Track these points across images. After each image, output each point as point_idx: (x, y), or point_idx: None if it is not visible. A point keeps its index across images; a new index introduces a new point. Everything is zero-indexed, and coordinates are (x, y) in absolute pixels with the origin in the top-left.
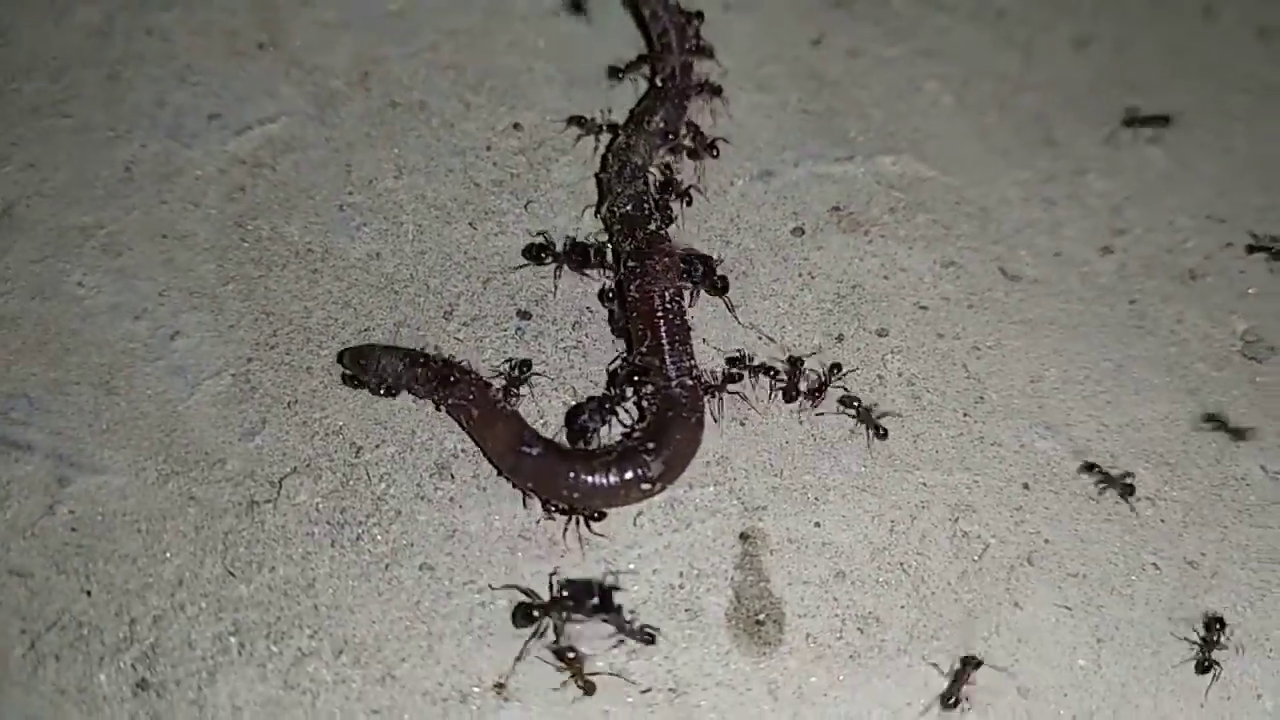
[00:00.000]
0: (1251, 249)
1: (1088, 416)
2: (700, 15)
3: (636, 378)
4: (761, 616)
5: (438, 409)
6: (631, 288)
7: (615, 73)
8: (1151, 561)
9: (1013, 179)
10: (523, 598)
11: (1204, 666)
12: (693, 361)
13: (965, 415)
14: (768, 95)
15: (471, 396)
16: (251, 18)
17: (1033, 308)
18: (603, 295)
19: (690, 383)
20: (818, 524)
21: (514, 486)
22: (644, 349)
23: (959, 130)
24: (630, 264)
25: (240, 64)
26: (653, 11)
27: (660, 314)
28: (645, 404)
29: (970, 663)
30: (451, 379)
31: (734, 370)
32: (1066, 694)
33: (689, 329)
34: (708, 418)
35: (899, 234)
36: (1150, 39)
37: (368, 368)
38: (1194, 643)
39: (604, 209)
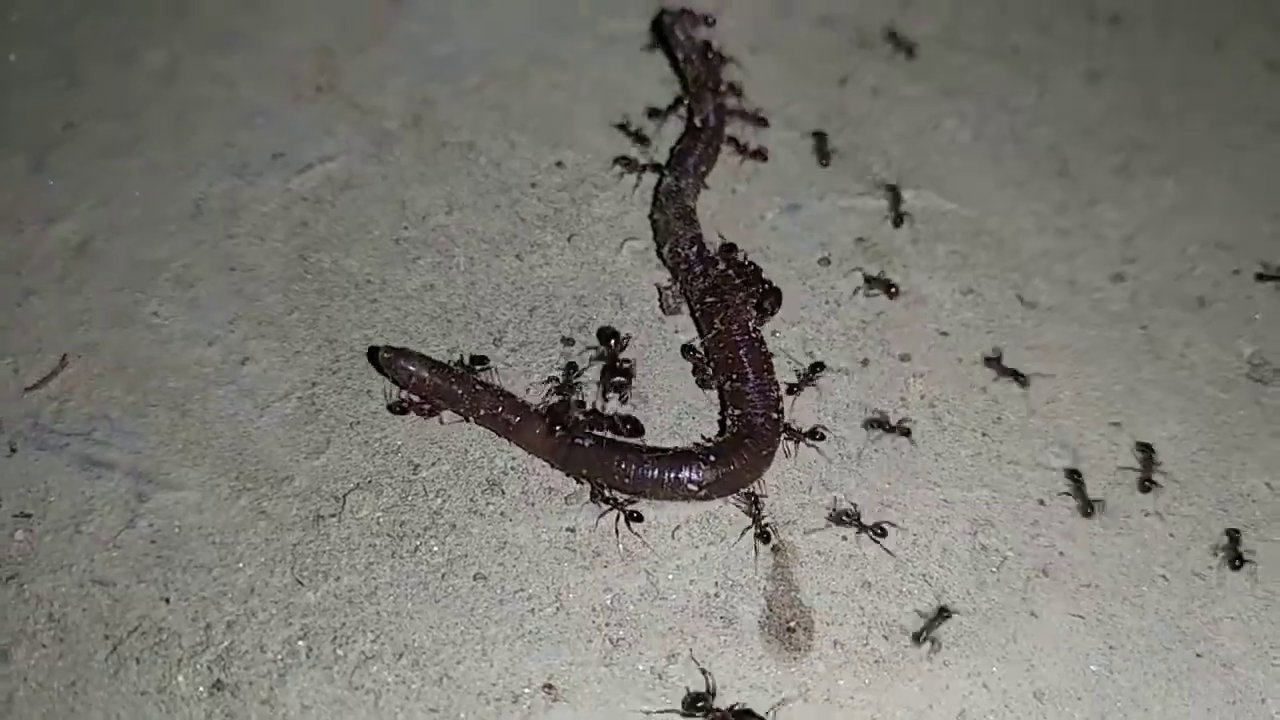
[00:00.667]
0: (1261, 277)
1: (1100, 436)
2: (727, 58)
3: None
4: (792, 624)
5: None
6: (716, 322)
7: (655, 114)
8: (1161, 573)
9: (1028, 210)
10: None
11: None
12: (779, 394)
13: (984, 435)
14: (795, 132)
15: (499, 408)
16: (310, 63)
17: (1048, 333)
18: (685, 350)
19: (776, 417)
20: (845, 537)
21: (567, 475)
22: (733, 377)
23: (976, 164)
24: (708, 300)
25: (300, 106)
26: (685, 56)
27: (744, 345)
28: (729, 423)
29: (944, 613)
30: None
31: (819, 429)
32: (1080, 698)
33: (770, 358)
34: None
35: (920, 264)
36: (1161, 72)
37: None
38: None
39: (667, 251)
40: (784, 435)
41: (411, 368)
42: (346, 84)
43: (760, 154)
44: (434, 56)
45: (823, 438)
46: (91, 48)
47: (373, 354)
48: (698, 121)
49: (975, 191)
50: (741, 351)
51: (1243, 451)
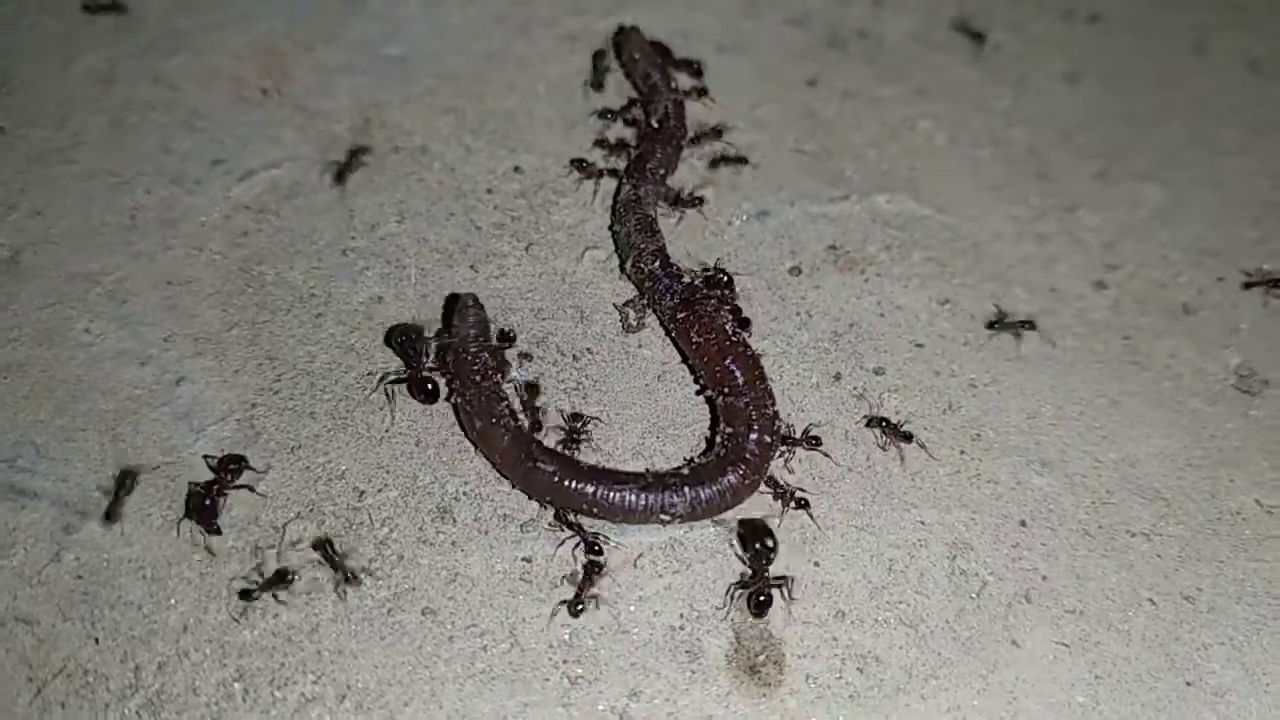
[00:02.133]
0: (1248, 285)
1: (1083, 453)
2: (698, 64)
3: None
4: (761, 658)
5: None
6: (692, 335)
7: (607, 114)
8: (1148, 597)
9: (1006, 214)
10: None
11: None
12: (775, 408)
13: (962, 453)
14: (763, 135)
15: (475, 406)
16: (255, 64)
17: (1027, 344)
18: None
19: (768, 441)
20: (817, 563)
21: (529, 498)
22: (724, 391)
23: (952, 167)
24: (680, 316)
25: (244, 110)
26: (630, 57)
27: (729, 354)
28: (719, 438)
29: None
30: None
31: (814, 435)
32: None
33: (759, 363)
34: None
35: (895, 272)
36: (1141, 73)
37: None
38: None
39: (630, 265)
40: (781, 447)
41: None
42: (293, 86)
43: (741, 159)
44: (385, 58)
45: (819, 441)
46: (25, 49)
47: (394, 332)
48: (654, 123)
49: (952, 196)
50: (728, 361)
51: (1231, 467)
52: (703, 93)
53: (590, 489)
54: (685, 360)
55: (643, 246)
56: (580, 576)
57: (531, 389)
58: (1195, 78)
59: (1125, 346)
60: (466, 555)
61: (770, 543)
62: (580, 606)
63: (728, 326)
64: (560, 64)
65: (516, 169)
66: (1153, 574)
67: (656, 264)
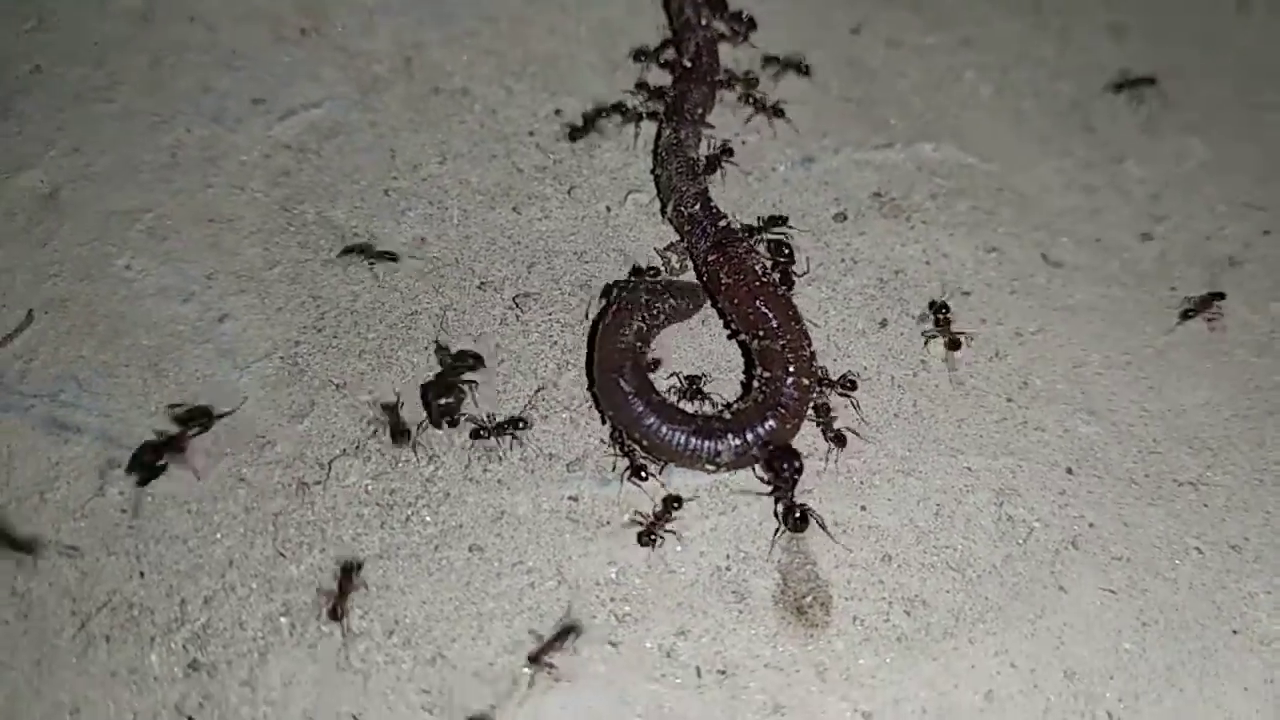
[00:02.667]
0: (1185, 314)
1: (1130, 402)
2: (748, 18)
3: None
4: (808, 599)
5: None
6: (722, 277)
7: (640, 55)
8: (1195, 546)
9: (1052, 166)
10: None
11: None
12: (811, 349)
13: (1009, 400)
14: (808, 82)
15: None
16: (294, 3)
17: (1075, 293)
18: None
19: (806, 383)
20: (864, 507)
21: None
22: (759, 334)
23: (998, 117)
24: (710, 259)
25: (283, 50)
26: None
27: (760, 296)
28: (756, 384)
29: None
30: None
31: (850, 377)
32: (1112, 677)
33: (793, 307)
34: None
35: (941, 220)
36: (1185, 28)
37: None
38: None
39: (670, 209)
40: (817, 391)
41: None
42: (332, 26)
43: (777, 110)
44: None
45: (855, 386)
46: None
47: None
48: (686, 62)
49: (997, 146)
50: (759, 303)
51: (1278, 418)
52: (743, 37)
53: (649, 421)
54: (716, 305)
55: (684, 189)
56: (658, 509)
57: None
58: (1238, 33)
59: (1172, 297)
60: (513, 493)
61: (795, 464)
62: (653, 537)
63: (758, 268)
64: (602, 7)
65: (558, 111)
66: (1199, 523)
67: (696, 206)
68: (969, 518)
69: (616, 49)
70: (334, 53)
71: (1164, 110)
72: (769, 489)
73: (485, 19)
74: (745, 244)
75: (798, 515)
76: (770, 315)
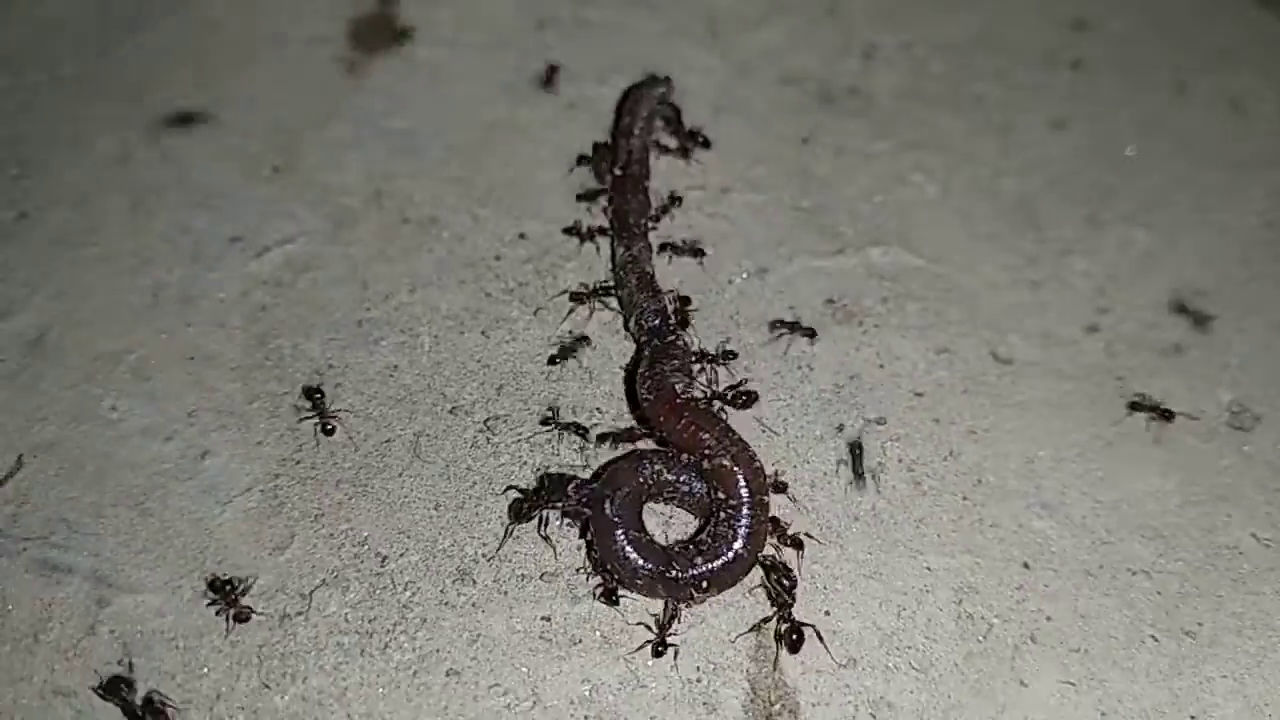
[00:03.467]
0: (1133, 406)
1: (1082, 494)
2: (701, 135)
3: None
4: (777, 707)
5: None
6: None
7: (582, 160)
8: (1150, 634)
9: (999, 263)
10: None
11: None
12: (765, 478)
13: (965, 498)
14: (760, 195)
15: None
16: (266, 142)
17: (1025, 389)
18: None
19: (763, 518)
20: (827, 612)
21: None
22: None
23: (944, 218)
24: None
25: (257, 187)
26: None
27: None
28: (719, 513)
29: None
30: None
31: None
32: None
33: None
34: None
35: (892, 323)
36: (1125, 116)
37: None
38: None
39: (632, 324)
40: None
41: None
42: (304, 162)
43: (698, 251)
44: (393, 131)
45: (801, 545)
46: (43, 134)
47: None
48: (617, 170)
49: (945, 246)
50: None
51: (1227, 503)
52: (686, 153)
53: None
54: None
55: (644, 305)
56: (664, 617)
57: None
58: (1178, 118)
59: (1119, 387)
60: (488, 616)
61: (789, 579)
62: (664, 648)
63: (679, 386)
64: (561, 130)
65: (522, 235)
66: (1154, 611)
67: (656, 321)
68: (930, 617)
69: (576, 172)
70: (306, 188)
71: (1106, 201)
72: (773, 609)
73: (451, 149)
74: (675, 362)
75: (795, 636)
76: (705, 434)
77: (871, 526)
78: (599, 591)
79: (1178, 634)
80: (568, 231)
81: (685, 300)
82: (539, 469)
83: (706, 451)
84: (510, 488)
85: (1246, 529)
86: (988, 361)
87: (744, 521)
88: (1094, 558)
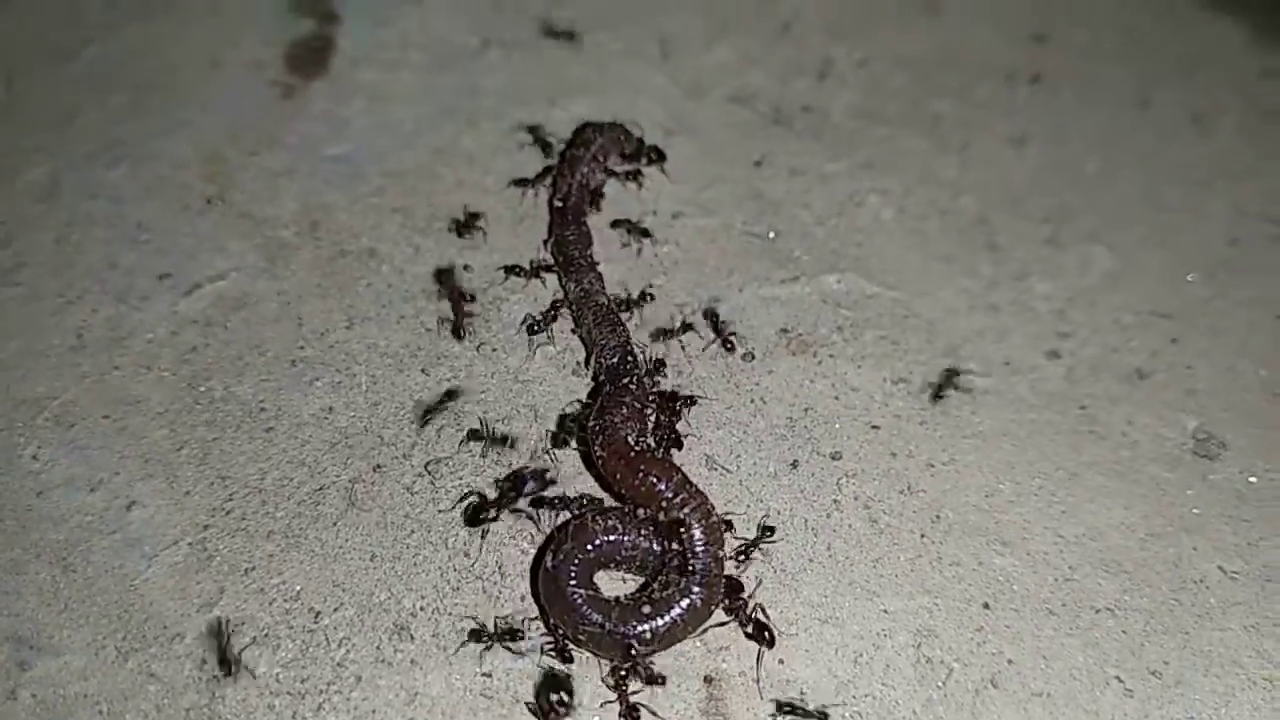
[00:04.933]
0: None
1: (1044, 529)
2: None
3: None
4: None
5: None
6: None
7: (522, 183)
8: (1115, 675)
9: (957, 287)
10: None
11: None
12: (720, 522)
13: (922, 536)
14: (712, 219)
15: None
16: (199, 171)
17: (984, 420)
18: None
19: (714, 568)
20: (782, 660)
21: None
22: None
23: (901, 242)
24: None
25: (189, 220)
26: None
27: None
28: (671, 563)
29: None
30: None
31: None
32: None
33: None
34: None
35: (848, 353)
36: (1086, 132)
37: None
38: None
39: (593, 362)
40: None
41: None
42: (238, 194)
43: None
44: (330, 158)
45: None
46: None
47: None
48: (558, 202)
49: (901, 271)
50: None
51: (1193, 534)
52: (638, 175)
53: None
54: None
55: (603, 343)
56: (615, 684)
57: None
58: (1140, 134)
59: (1081, 416)
60: (426, 673)
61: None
62: (635, 713)
63: (630, 439)
64: (508, 157)
65: (466, 267)
66: (1119, 651)
67: (615, 360)
68: (888, 663)
69: (524, 201)
70: (240, 220)
71: (1066, 219)
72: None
73: (391, 175)
74: (626, 411)
75: (765, 630)
76: (659, 484)
77: (827, 568)
78: (549, 649)
79: (1143, 674)
80: (509, 271)
81: (645, 296)
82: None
83: (663, 504)
84: (469, 494)
85: (1213, 561)
86: (947, 390)
87: (699, 576)
88: (1057, 595)
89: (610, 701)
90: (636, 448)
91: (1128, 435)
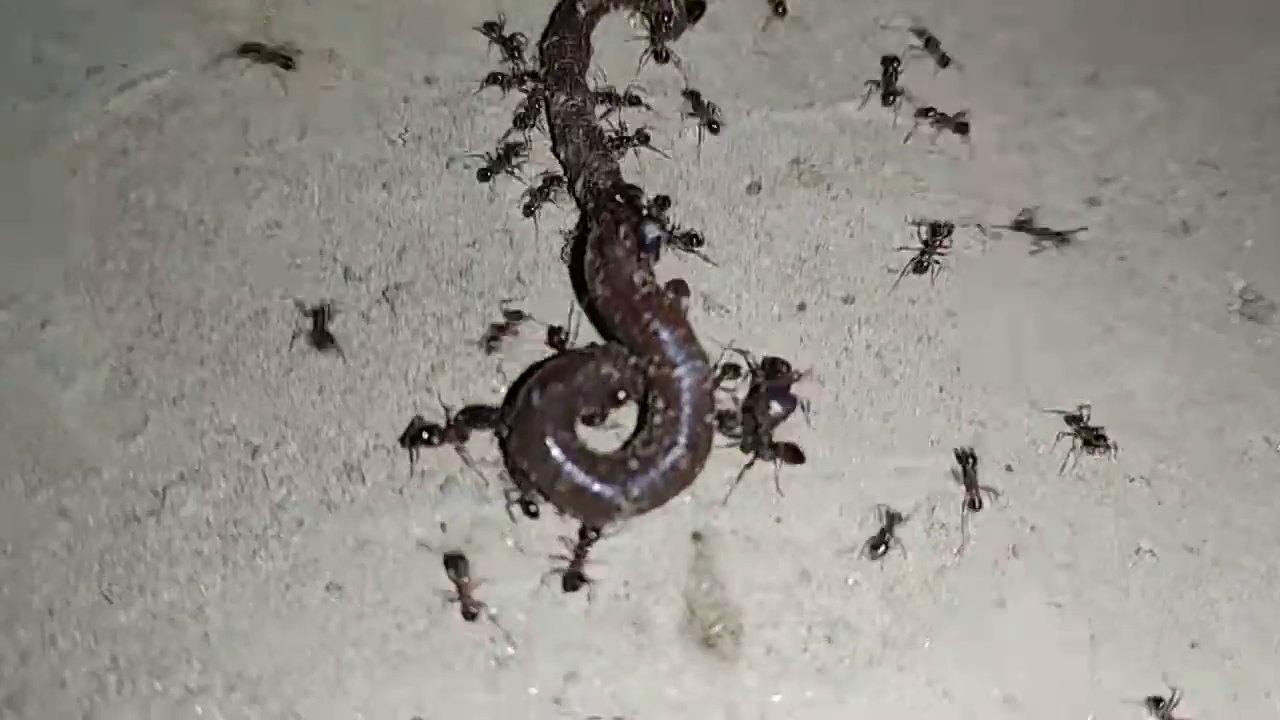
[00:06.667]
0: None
1: (1074, 386)
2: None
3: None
4: (717, 628)
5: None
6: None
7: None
8: (1148, 549)
9: (988, 123)
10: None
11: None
12: (710, 370)
13: (941, 390)
14: (718, 35)
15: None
16: None
17: (1013, 267)
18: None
19: (708, 420)
20: (779, 519)
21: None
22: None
23: (928, 69)
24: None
25: (126, 10)
26: None
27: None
28: (653, 414)
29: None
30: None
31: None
32: (1059, 702)
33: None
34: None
35: (865, 187)
36: None
37: None
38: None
39: (579, 187)
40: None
41: None
42: None
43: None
44: None
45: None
46: None
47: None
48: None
49: (927, 101)
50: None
51: (1237, 401)
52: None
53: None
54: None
55: (594, 165)
56: (576, 544)
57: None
58: None
59: (1120, 268)
60: (377, 519)
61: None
62: (579, 580)
63: (636, 278)
64: None
65: (428, 80)
66: (1152, 523)
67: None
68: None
69: (502, 1)
70: (184, 13)
71: (1109, 60)
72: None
73: None
74: (627, 245)
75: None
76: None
77: (833, 420)
78: (516, 500)
79: (1178, 550)
80: (491, 80)
81: (664, 200)
82: (443, 350)
83: (657, 360)
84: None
85: (1258, 431)
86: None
87: (684, 436)
88: (1085, 460)
89: (557, 569)
90: (642, 289)
91: (1169, 290)
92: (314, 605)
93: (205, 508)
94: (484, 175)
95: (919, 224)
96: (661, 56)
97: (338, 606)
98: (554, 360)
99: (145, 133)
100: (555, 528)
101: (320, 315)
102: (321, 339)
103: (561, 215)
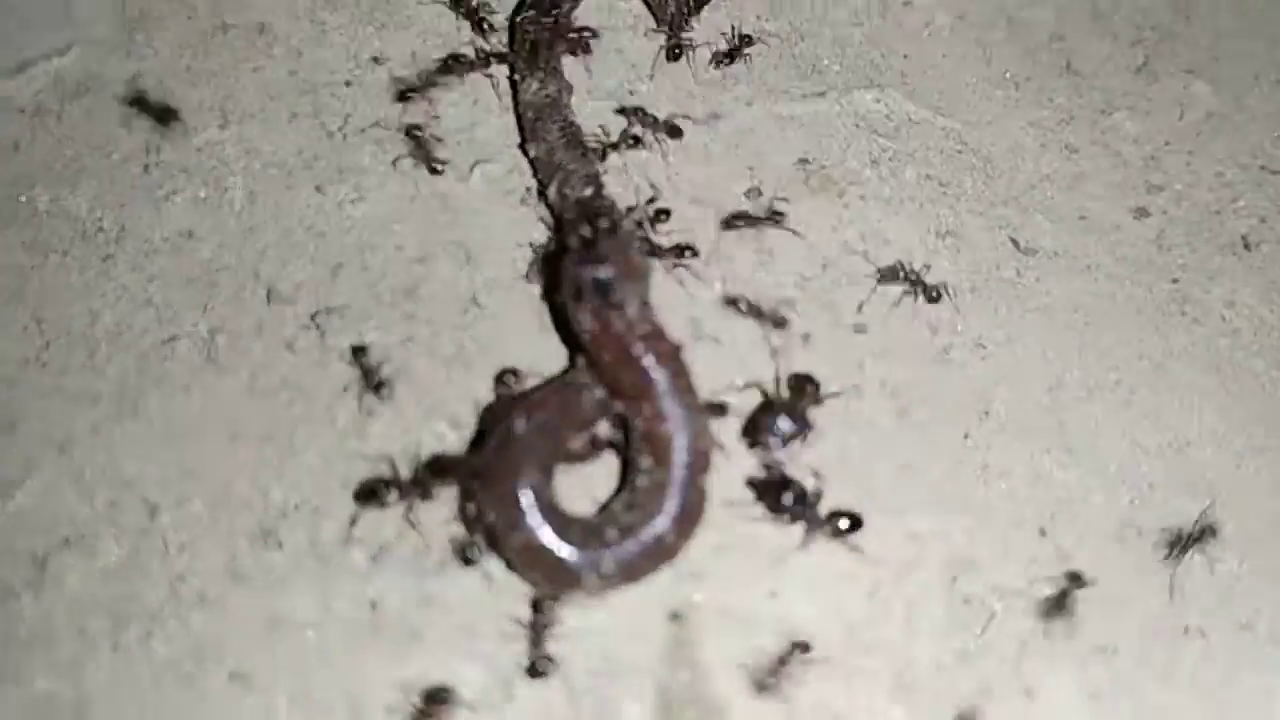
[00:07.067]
0: None
1: (1118, 435)
2: None
3: None
4: None
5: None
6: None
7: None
8: (1198, 627)
9: (1025, 119)
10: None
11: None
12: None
13: (966, 437)
14: (717, 11)
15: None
16: None
17: (1051, 289)
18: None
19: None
20: (774, 593)
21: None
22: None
23: (958, 57)
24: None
25: None
26: None
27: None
28: (637, 473)
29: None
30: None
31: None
32: None
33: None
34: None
35: (883, 194)
36: None
37: None
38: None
39: (553, 192)
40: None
41: None
42: None
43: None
44: None
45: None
46: None
47: None
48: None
49: (957, 94)
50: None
51: None
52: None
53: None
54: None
55: (572, 169)
56: (531, 627)
57: None
58: None
59: (1172, 292)
60: (293, 595)
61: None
62: (547, 663)
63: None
64: None
65: (375, 60)
66: (1205, 597)
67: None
68: (912, 601)
69: None
70: None
71: (1162, 46)
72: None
73: None
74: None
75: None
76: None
77: (840, 473)
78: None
79: (1232, 629)
80: (447, 65)
81: (662, 213)
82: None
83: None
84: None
85: None
86: (1005, 251)
87: (673, 503)
88: (1131, 520)
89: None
90: (641, 326)
91: (1228, 320)
92: (216, 696)
93: (92, 579)
94: (403, 96)
95: None
96: (673, 55)
97: (244, 701)
98: (542, 388)
99: (41, 123)
100: (510, 607)
101: (360, 353)
102: (378, 386)
103: (528, 223)
